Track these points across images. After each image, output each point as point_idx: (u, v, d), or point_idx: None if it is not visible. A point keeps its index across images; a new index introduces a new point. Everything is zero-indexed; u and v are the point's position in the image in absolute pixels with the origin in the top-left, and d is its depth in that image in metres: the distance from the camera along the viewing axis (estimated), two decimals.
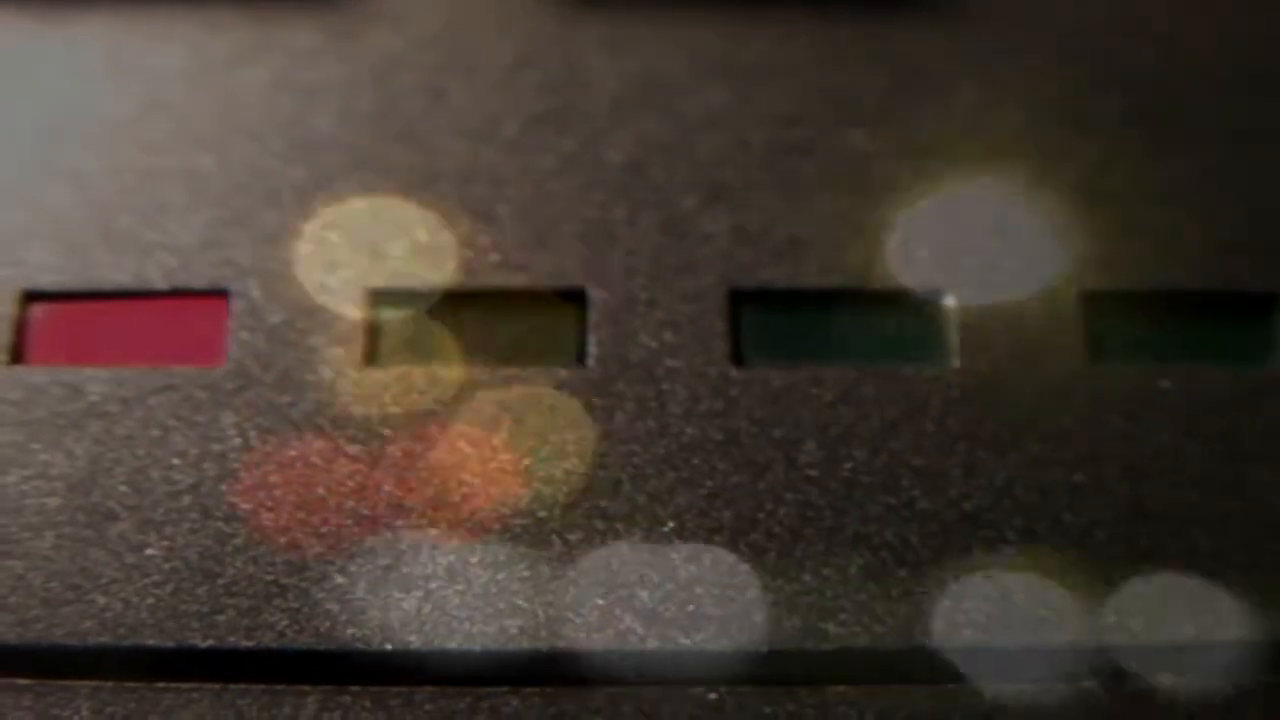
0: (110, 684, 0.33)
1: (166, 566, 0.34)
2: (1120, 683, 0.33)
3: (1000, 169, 0.38)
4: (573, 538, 0.34)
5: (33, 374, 0.35)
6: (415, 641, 0.33)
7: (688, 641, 0.33)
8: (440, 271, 0.37)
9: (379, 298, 0.36)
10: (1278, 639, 0.33)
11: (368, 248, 0.37)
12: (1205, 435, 0.35)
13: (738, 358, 0.36)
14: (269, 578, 0.33)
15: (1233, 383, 0.35)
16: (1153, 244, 0.37)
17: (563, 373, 0.35)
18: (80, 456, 0.35)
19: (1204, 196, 0.37)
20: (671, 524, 0.34)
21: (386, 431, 0.35)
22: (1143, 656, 0.33)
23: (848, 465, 0.35)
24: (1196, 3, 0.40)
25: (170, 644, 0.33)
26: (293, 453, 0.35)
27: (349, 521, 0.34)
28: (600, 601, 0.33)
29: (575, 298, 0.36)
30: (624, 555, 0.34)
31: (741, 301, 0.36)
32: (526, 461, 0.35)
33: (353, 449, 0.35)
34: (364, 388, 0.35)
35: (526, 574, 0.34)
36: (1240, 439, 0.35)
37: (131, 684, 0.33)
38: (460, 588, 0.33)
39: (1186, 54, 0.39)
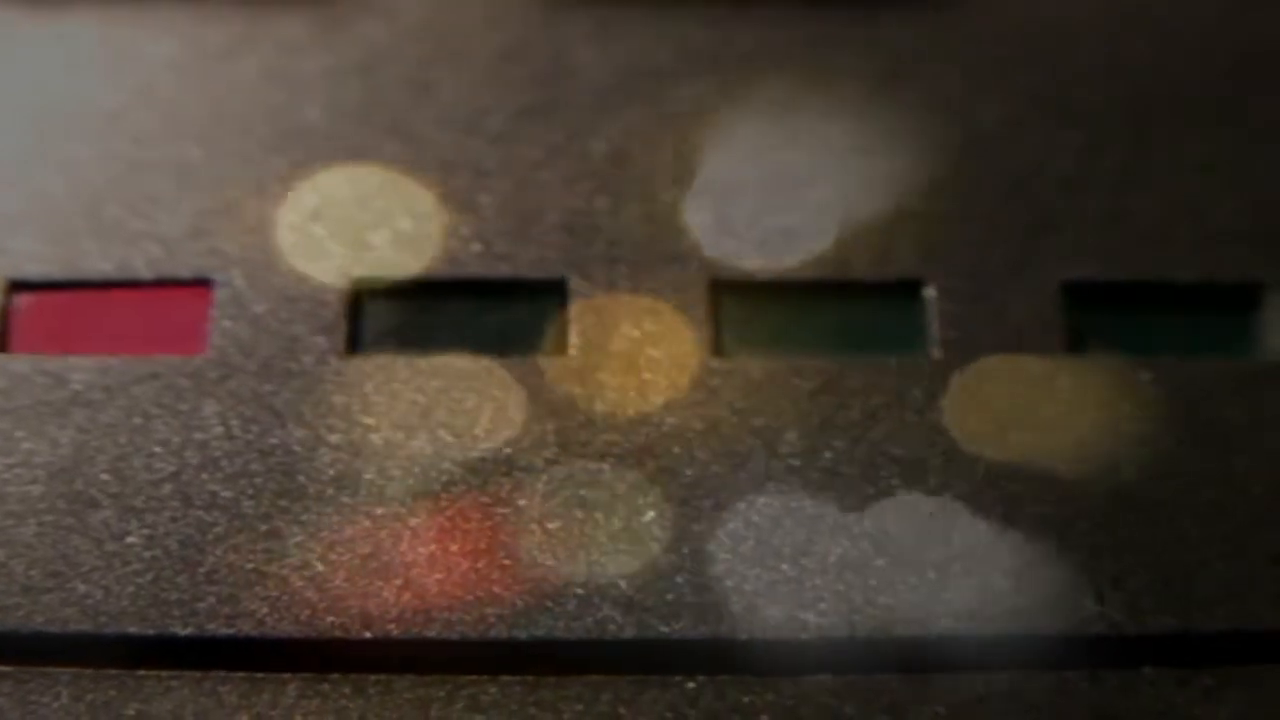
0: (90, 671, 0.33)
1: (147, 554, 0.34)
2: (1100, 671, 0.33)
3: (984, 159, 0.38)
4: (552, 526, 0.34)
5: (16, 362, 0.36)
6: (395, 630, 0.33)
7: (666, 631, 0.33)
8: (423, 261, 0.37)
9: (363, 287, 0.36)
10: (1262, 628, 0.33)
11: (352, 237, 0.37)
12: (1187, 426, 0.35)
13: (719, 348, 0.36)
14: (249, 566, 0.34)
15: (1215, 374, 0.35)
16: (1135, 234, 0.37)
17: (544, 362, 0.35)
18: (63, 445, 0.35)
19: (1188, 186, 0.37)
20: (652, 513, 0.34)
21: (369, 420, 0.35)
22: (1122, 645, 0.33)
23: (828, 455, 0.35)
24: None
25: (151, 631, 0.33)
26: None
27: (329, 510, 0.34)
28: (579, 590, 0.33)
29: (557, 288, 0.36)
30: (604, 544, 0.34)
31: (722, 292, 0.36)
32: (508, 451, 0.35)
33: (334, 438, 0.35)
34: (346, 376, 0.35)
35: (506, 562, 0.34)
36: (1222, 430, 0.35)
37: (111, 671, 0.33)
38: (440, 576, 0.33)
39: (1173, 43, 0.39)
